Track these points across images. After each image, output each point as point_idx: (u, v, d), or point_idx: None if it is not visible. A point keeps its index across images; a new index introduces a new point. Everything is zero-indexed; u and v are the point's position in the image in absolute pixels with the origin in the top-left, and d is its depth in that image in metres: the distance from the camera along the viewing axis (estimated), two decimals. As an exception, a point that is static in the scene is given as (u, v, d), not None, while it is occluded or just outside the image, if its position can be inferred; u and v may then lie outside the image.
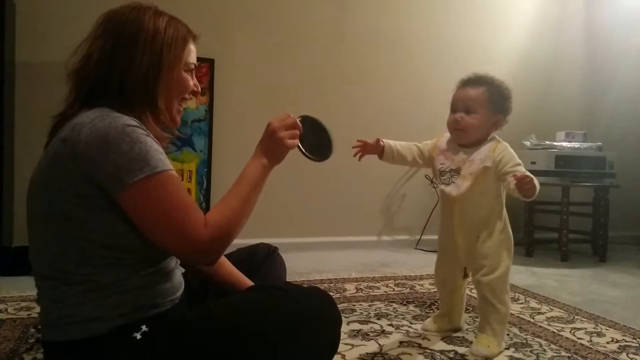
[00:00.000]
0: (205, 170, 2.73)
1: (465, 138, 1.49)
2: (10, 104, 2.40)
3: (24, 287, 1.97)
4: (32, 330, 1.53)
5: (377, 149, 1.56)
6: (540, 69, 3.48)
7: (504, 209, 1.52)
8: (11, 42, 2.41)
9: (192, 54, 1.12)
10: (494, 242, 1.47)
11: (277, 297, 1.02)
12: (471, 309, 1.83)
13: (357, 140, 1.56)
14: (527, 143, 3.07)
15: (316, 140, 1.19)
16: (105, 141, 0.90)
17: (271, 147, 1.11)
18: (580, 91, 3.61)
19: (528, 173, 1.34)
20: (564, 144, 3.04)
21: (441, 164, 1.52)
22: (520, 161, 1.46)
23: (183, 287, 1.09)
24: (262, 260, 1.43)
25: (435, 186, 3.22)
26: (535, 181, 1.33)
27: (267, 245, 1.50)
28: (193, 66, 1.12)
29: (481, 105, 1.46)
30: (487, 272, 1.45)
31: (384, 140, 1.56)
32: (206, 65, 2.76)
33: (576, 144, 3.05)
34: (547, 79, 3.51)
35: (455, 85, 1.55)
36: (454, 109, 1.51)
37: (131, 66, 1.01)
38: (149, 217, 0.92)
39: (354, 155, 1.57)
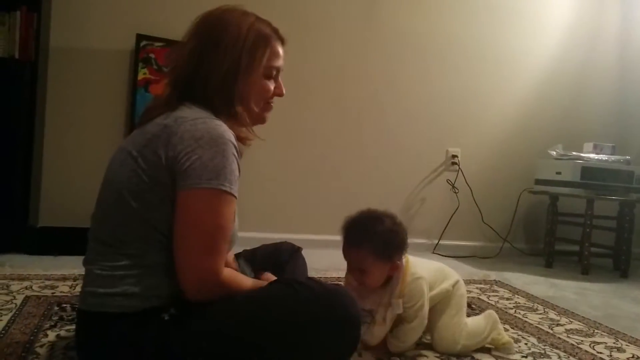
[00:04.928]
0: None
1: (371, 289, 1.38)
2: (42, 88, 2.45)
3: (48, 267, 2.02)
4: (56, 308, 1.57)
5: None
6: (572, 78, 3.43)
7: None
8: (46, 28, 2.46)
9: (276, 57, 1.12)
10: None
11: (300, 293, 1.03)
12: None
13: None
14: (553, 153, 3.03)
15: None
16: (196, 142, 0.95)
17: None
18: (612, 103, 3.53)
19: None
20: (592, 155, 2.98)
21: None
22: (423, 300, 1.38)
23: None
24: (287, 258, 1.46)
25: (456, 191, 3.21)
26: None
27: (290, 245, 1.53)
28: (274, 71, 1.13)
29: (371, 264, 1.33)
30: None
31: None
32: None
33: (604, 157, 2.99)
34: (578, 88, 3.45)
35: (340, 233, 1.38)
36: (348, 264, 1.39)
37: (212, 69, 1.05)
38: (189, 223, 0.96)
39: None
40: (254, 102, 1.11)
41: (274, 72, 1.13)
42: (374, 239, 1.32)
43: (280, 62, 1.14)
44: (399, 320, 1.39)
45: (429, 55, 3.15)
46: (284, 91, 1.17)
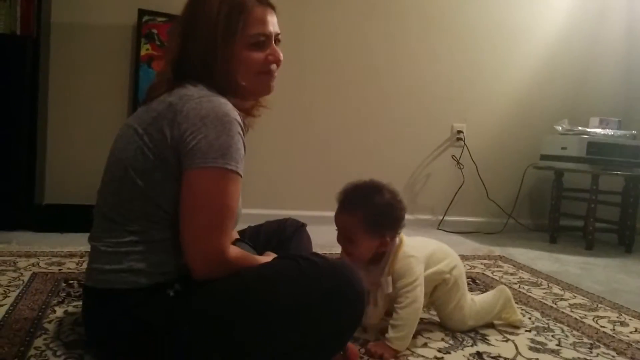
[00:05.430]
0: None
1: (360, 262, 1.32)
2: (45, 64, 2.44)
3: (55, 244, 2.04)
4: (63, 284, 1.59)
5: None
6: (578, 53, 3.37)
7: None
8: (47, 3, 2.43)
9: (258, 24, 1.06)
10: None
11: (304, 268, 1.03)
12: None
13: None
14: (559, 128, 3.00)
15: None
16: (201, 120, 0.94)
17: None
18: (618, 78, 3.48)
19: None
20: (597, 130, 2.95)
21: None
22: (413, 278, 1.31)
23: None
24: (291, 234, 1.46)
25: (461, 167, 3.20)
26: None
27: (295, 221, 1.53)
28: (262, 38, 1.06)
29: (360, 235, 1.27)
30: None
31: None
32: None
33: (610, 132, 2.96)
34: (584, 63, 3.39)
35: (336, 198, 1.33)
36: (338, 231, 1.32)
37: (194, 46, 1.03)
38: (196, 202, 0.95)
39: None
40: (242, 76, 1.06)
41: (262, 39, 1.07)
42: (369, 208, 1.27)
43: (266, 29, 1.07)
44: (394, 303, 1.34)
45: (434, 31, 3.10)
46: (280, 57, 1.10)
